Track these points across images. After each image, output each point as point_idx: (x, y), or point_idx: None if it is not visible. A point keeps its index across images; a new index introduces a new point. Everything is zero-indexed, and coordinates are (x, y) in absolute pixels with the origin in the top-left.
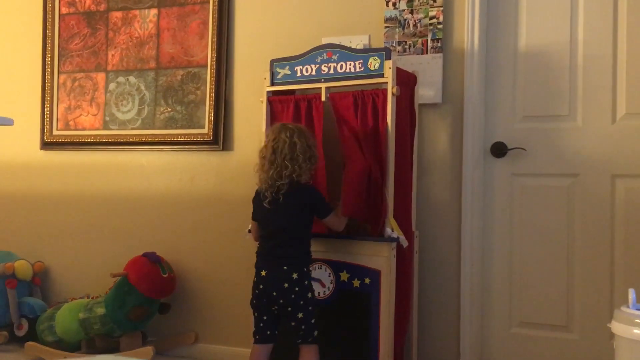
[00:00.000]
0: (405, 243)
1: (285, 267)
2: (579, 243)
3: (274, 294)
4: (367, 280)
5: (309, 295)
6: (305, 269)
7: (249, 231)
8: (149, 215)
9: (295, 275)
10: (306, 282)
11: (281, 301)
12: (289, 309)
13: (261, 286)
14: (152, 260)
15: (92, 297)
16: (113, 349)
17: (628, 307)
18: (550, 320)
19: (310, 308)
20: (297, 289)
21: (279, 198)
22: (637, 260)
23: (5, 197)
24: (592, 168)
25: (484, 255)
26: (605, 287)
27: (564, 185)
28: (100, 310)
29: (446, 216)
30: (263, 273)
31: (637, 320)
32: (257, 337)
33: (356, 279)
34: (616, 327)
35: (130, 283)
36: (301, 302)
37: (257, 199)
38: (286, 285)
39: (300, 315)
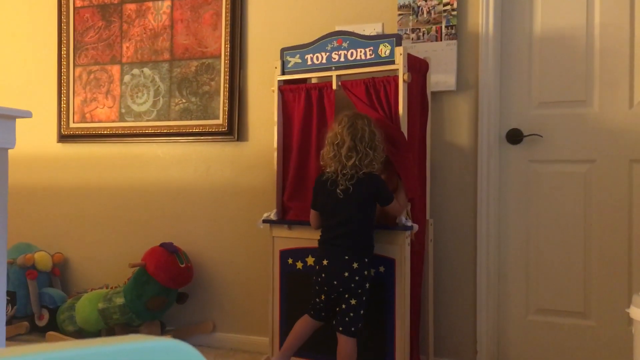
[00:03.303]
0: (415, 228)
1: (346, 257)
2: (596, 229)
3: (335, 282)
4: (381, 269)
5: (367, 285)
6: (366, 259)
7: (264, 222)
8: (165, 206)
9: (355, 265)
10: (366, 272)
11: (341, 289)
12: (346, 295)
13: (323, 275)
14: (169, 251)
15: (111, 287)
16: None
17: None
18: (568, 307)
19: (364, 298)
20: (357, 278)
21: (349, 187)
22: None
23: (25, 189)
24: (609, 153)
25: (500, 243)
26: (623, 273)
27: (581, 171)
28: (119, 300)
29: (462, 204)
30: (325, 262)
31: None
32: (311, 312)
33: (371, 268)
34: (635, 312)
35: (148, 273)
36: (359, 291)
37: (323, 187)
38: (346, 274)
39: (353, 301)
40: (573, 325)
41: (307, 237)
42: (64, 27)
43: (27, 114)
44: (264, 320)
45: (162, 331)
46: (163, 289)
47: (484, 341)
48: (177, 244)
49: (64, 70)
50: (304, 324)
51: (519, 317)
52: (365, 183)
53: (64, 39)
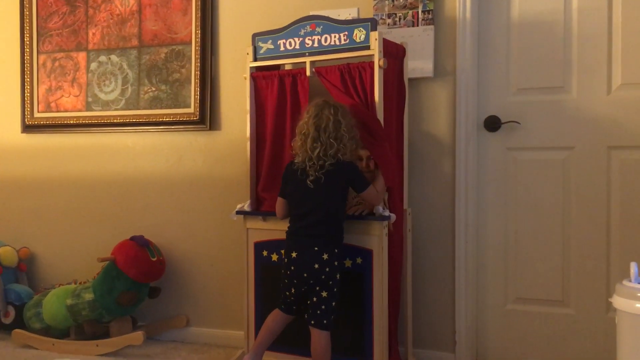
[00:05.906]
0: (393, 218)
1: (316, 248)
2: (574, 216)
3: (305, 275)
4: (359, 260)
5: (338, 276)
6: (336, 250)
7: (237, 213)
8: (136, 198)
9: (325, 256)
10: (336, 263)
11: (311, 281)
12: (317, 287)
13: (293, 267)
14: (140, 244)
15: (80, 283)
16: (102, 335)
17: (630, 281)
18: (546, 296)
19: (335, 290)
20: (327, 269)
21: (321, 177)
22: (634, 233)
23: None
24: (587, 140)
25: (478, 232)
26: (601, 261)
27: (559, 158)
28: (89, 296)
29: (439, 192)
30: (294, 255)
31: (639, 294)
32: (282, 307)
33: (348, 259)
34: (618, 301)
35: (118, 267)
36: (330, 282)
37: (293, 176)
38: (316, 266)
39: (324, 294)
40: (552, 313)
41: (282, 228)
42: (26, 12)
43: None
44: (238, 313)
45: (134, 327)
46: (134, 284)
47: (462, 331)
48: (148, 237)
49: (27, 57)
50: (275, 319)
51: (497, 306)
52: (337, 172)
53: (26, 25)
